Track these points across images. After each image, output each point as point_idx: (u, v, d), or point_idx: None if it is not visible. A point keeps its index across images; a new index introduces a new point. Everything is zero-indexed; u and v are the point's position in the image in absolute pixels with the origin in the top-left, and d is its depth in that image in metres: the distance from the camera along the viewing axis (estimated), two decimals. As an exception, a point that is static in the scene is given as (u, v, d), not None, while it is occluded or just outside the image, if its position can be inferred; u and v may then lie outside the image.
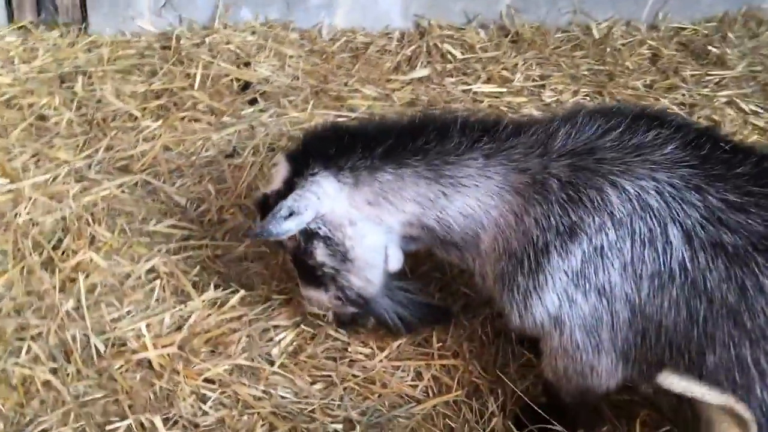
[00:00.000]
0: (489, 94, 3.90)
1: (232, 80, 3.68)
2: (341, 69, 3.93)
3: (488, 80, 4.00)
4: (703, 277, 1.88)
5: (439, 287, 2.83)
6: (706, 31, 4.53)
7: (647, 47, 4.40)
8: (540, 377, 2.50)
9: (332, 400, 2.46)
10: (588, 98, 3.93)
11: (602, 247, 1.99)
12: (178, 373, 2.43)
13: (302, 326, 2.62)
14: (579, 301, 2.05)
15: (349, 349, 2.59)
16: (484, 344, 2.63)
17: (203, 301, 2.64)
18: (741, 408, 1.54)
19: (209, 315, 2.59)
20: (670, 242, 1.92)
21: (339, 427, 2.40)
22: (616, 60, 4.24)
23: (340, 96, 3.71)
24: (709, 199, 1.91)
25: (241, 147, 3.29)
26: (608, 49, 4.34)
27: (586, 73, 4.18)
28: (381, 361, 2.56)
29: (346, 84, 3.81)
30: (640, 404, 2.42)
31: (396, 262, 2.41)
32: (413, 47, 4.11)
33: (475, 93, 3.89)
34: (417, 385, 2.52)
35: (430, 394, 2.50)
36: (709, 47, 4.34)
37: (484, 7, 4.31)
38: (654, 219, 1.95)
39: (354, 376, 2.52)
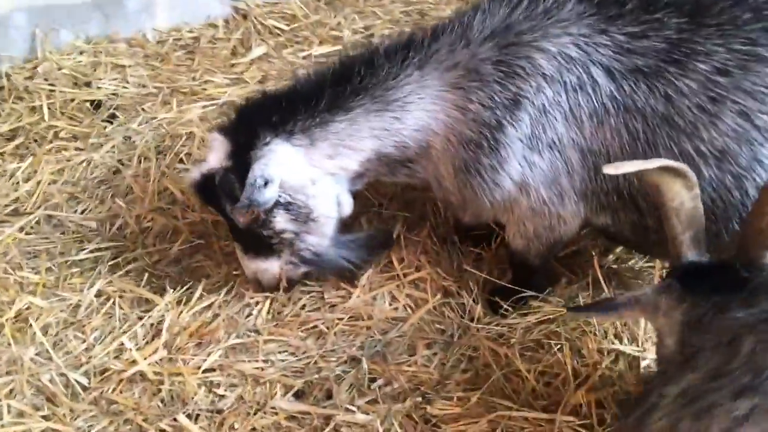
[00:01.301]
0: (327, 54, 4.05)
1: (80, 103, 3.53)
2: (182, 66, 3.89)
3: (321, 43, 4.15)
4: (633, 101, 2.16)
5: (371, 221, 2.98)
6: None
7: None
8: (493, 263, 2.78)
9: (328, 347, 2.55)
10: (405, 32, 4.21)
11: (544, 106, 2.22)
12: (178, 373, 2.39)
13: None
14: (537, 162, 2.27)
15: (325, 297, 2.67)
16: (438, 253, 2.83)
17: (167, 303, 2.59)
18: (675, 163, 1.77)
19: (181, 313, 2.55)
20: (597, 82, 2.18)
21: (346, 367, 2.50)
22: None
23: (194, 90, 3.69)
24: (615, 36, 2.18)
25: (127, 159, 3.20)
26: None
27: (401, 16, 4.48)
28: (358, 297, 2.67)
29: (194, 78, 3.79)
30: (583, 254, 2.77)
31: (348, 206, 2.53)
32: (241, 30, 4.15)
33: (316, 56, 4.04)
34: (397, 307, 2.67)
35: (411, 311, 2.66)
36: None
37: (291, -22, 4.44)
38: (578, 67, 2.20)
39: (339, 319, 2.61)
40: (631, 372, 2.38)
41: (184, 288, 2.66)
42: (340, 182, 2.47)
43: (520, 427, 2.27)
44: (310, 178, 2.38)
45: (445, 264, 2.79)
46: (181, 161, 3.17)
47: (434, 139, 2.37)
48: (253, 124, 2.33)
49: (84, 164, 3.15)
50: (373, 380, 2.45)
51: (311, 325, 2.59)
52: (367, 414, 2.33)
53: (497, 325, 2.58)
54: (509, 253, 2.63)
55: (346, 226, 2.67)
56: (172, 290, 2.64)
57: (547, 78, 2.21)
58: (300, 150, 2.34)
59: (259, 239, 2.44)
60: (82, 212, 2.96)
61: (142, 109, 3.52)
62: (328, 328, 2.59)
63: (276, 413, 2.34)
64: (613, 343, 2.42)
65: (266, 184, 2.25)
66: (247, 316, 2.60)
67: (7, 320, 2.49)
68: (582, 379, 2.35)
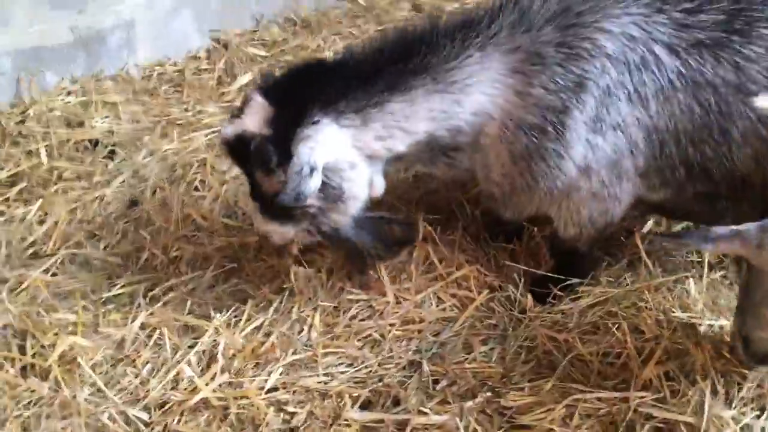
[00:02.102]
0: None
1: (76, 143, 3.42)
2: (171, 99, 3.83)
3: (305, 66, 4.15)
4: (701, 73, 2.19)
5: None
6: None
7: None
8: (529, 256, 2.79)
9: (385, 354, 2.50)
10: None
11: (608, 87, 2.21)
12: (243, 396, 2.30)
13: (319, 303, 2.60)
14: (601, 144, 2.26)
15: (374, 305, 2.63)
16: (474, 250, 2.83)
17: (216, 328, 2.51)
18: None
19: (233, 335, 2.47)
20: (660, 59, 2.21)
21: (407, 372, 2.46)
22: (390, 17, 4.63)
23: (190, 121, 3.63)
24: (673, 14, 2.23)
25: (140, 191, 3.11)
26: (376, 11, 4.73)
27: (373, 34, 4.51)
28: (406, 300, 2.63)
29: (186, 110, 3.73)
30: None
31: (380, 187, 2.45)
32: (223, 60, 4.11)
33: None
34: (445, 308, 2.64)
35: (459, 309, 2.64)
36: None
37: (266, 6, 4.44)
38: (641, 46, 2.22)
39: (391, 325, 2.57)
40: (689, 340, 2.40)
41: (230, 311, 2.58)
42: (377, 164, 2.37)
43: (595, 409, 2.27)
44: (350, 161, 2.27)
45: (483, 261, 2.79)
46: (196, 189, 3.10)
47: (489, 125, 2.31)
48: (302, 96, 2.18)
49: (97, 201, 3.04)
50: (436, 381, 2.42)
51: (365, 334, 2.54)
52: (440, 415, 2.29)
53: (549, 313, 2.58)
54: (556, 243, 2.63)
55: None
56: (218, 314, 2.55)
57: (612, 58, 2.21)
58: (347, 131, 2.22)
59: (279, 206, 2.25)
60: (105, 248, 2.85)
61: (141, 144, 3.43)
62: (382, 335, 2.54)
63: (349, 425, 2.27)
64: (670, 313, 2.45)
65: (312, 171, 2.13)
66: (300, 331, 2.53)
67: (52, 363, 2.36)
68: (646, 355, 2.37)
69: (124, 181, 3.16)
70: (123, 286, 2.69)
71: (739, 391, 2.26)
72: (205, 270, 2.75)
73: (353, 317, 2.59)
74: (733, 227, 1.92)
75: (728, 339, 2.37)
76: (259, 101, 2.23)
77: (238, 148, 2.24)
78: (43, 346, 2.43)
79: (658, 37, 2.23)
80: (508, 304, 2.66)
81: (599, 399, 2.29)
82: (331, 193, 2.29)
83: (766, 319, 1.94)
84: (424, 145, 2.35)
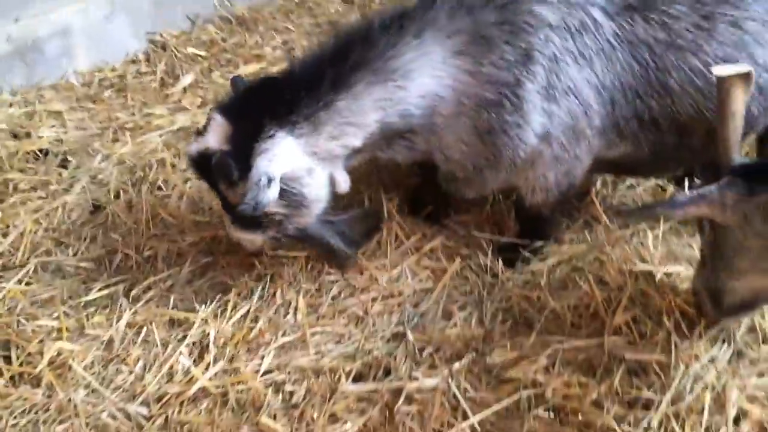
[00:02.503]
0: (254, 73, 4.08)
1: (26, 154, 3.36)
2: (116, 104, 3.80)
3: (246, 62, 4.18)
4: (634, 34, 2.37)
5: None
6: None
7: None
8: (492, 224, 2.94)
9: (370, 328, 2.59)
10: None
11: (555, 54, 2.36)
12: (240, 381, 2.35)
13: (302, 286, 2.66)
14: (556, 111, 2.40)
15: (353, 283, 2.71)
16: (448, 228, 2.95)
17: (203, 319, 2.54)
18: (742, 67, 1.95)
19: (222, 324, 2.51)
20: (598, 22, 2.37)
21: (393, 343, 2.56)
22: (322, 10, 4.71)
23: (139, 124, 3.62)
24: None
25: (103, 196, 3.09)
26: (308, 5, 4.80)
27: (312, 27, 4.59)
28: (383, 276, 2.72)
29: (133, 114, 3.72)
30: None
31: (345, 183, 2.55)
32: (163, 61, 4.10)
33: (246, 75, 4.05)
34: (421, 279, 2.74)
35: (434, 279, 2.76)
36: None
37: (200, 6, 4.43)
38: (578, 11, 2.37)
39: (372, 300, 2.66)
40: (650, 287, 2.58)
41: (214, 302, 2.61)
42: (336, 162, 2.47)
43: (573, 357, 2.42)
44: (307, 167, 2.38)
45: (446, 233, 2.90)
46: (159, 188, 3.10)
47: (441, 106, 2.42)
48: (258, 112, 2.30)
49: (59, 209, 3.00)
50: (422, 349, 2.52)
51: (349, 312, 2.62)
52: (431, 378, 2.39)
53: (521, 274, 2.72)
54: (522, 210, 2.76)
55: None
56: (203, 306, 2.58)
57: (553, 27, 2.35)
58: (302, 140, 2.33)
59: (248, 216, 2.35)
60: (75, 254, 2.83)
61: (93, 150, 3.40)
62: (364, 311, 2.63)
63: (346, 397, 2.35)
64: (631, 264, 2.62)
65: (270, 182, 2.24)
66: (286, 314, 2.59)
67: (42, 369, 2.34)
68: (614, 304, 2.53)
69: (83, 188, 3.12)
70: (101, 289, 2.68)
71: (705, 329, 2.45)
72: (181, 266, 2.77)
73: (335, 297, 2.66)
74: (695, 191, 2.05)
75: (683, 285, 2.57)
76: (218, 120, 2.34)
77: (203, 164, 2.35)
78: (29, 354, 2.41)
79: (594, 1, 2.39)
80: (480, 271, 2.78)
81: (576, 348, 2.44)
82: (292, 200, 2.39)
83: (739, 269, 2.10)
84: (379, 133, 2.45)
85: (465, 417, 2.28)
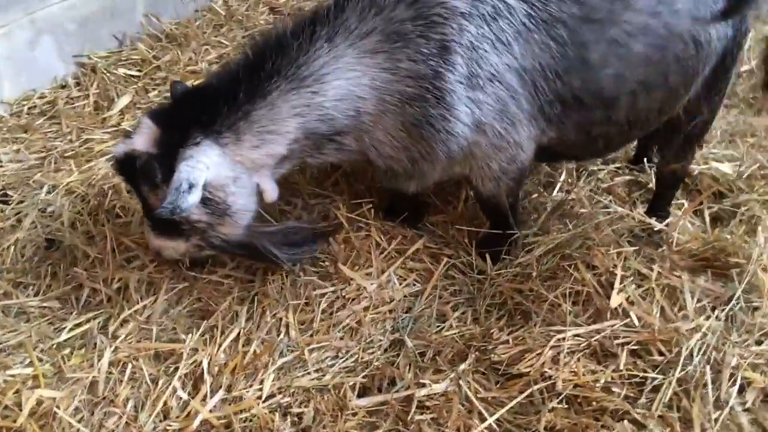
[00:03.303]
0: (192, 88, 3.92)
1: (-38, 193, 3.09)
2: (50, 133, 3.54)
3: (182, 79, 3.99)
4: (548, 12, 2.32)
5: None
6: None
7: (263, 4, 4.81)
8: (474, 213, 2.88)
9: (366, 339, 2.49)
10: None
11: (471, 43, 2.29)
12: (243, 409, 2.21)
13: (290, 302, 2.53)
14: (482, 98, 2.34)
15: (342, 294, 2.60)
16: (425, 230, 2.88)
17: (192, 349, 2.37)
18: None
19: (214, 352, 2.35)
20: (510, 5, 2.31)
21: (392, 351, 2.47)
22: (252, 22, 4.57)
23: (80, 152, 3.39)
24: None
25: (57, 231, 2.85)
26: (237, 18, 4.64)
27: (241, 40, 4.44)
28: (371, 286, 2.62)
29: (71, 141, 3.48)
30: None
31: (273, 193, 2.47)
32: (95, 84, 3.86)
33: (184, 91, 3.87)
34: (408, 283, 2.67)
35: (421, 282, 2.68)
36: None
37: (125, 25, 4.21)
38: None
39: (365, 309, 2.56)
40: (642, 258, 2.60)
41: (200, 329, 2.45)
42: (264, 172, 2.41)
43: (576, 344, 2.39)
44: (233, 176, 2.33)
45: (428, 233, 2.85)
46: (118, 216, 2.90)
47: (363, 105, 2.36)
48: (186, 120, 2.27)
49: (11, 248, 2.76)
50: (422, 354, 2.44)
51: (342, 324, 2.51)
52: (439, 383, 2.32)
53: (509, 268, 2.68)
54: (481, 201, 2.71)
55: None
56: (189, 335, 2.42)
57: (466, 15, 2.29)
58: (226, 148, 2.29)
59: (170, 221, 2.34)
60: (37, 294, 2.60)
61: (35, 182, 3.15)
62: (358, 322, 2.52)
63: (356, 413, 2.25)
64: (617, 246, 2.63)
65: (191, 188, 2.18)
66: (278, 334, 2.45)
67: (24, 422, 2.13)
68: (607, 289, 2.53)
69: (33, 222, 2.88)
70: (72, 329, 2.47)
71: (697, 301, 2.48)
72: (156, 294, 2.59)
73: (325, 310, 2.55)
74: None
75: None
76: (148, 123, 2.31)
77: (127, 166, 2.31)
78: (6, 407, 2.18)
79: None
80: (467, 269, 2.73)
81: (577, 336, 2.41)
82: (216, 208, 2.33)
83: None
84: (304, 140, 2.39)
85: (482, 418, 2.22)
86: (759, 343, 2.38)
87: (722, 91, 2.66)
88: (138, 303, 2.55)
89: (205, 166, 2.24)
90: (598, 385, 2.30)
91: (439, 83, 2.32)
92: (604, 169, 3.27)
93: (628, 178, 3.25)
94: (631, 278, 2.55)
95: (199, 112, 2.28)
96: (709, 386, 2.24)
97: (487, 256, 2.70)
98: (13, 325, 2.46)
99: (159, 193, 2.28)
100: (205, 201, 2.28)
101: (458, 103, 2.34)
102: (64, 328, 2.47)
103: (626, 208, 2.92)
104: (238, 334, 2.42)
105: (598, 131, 2.57)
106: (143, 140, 2.29)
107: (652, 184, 3.16)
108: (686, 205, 3.01)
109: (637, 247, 2.65)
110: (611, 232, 2.70)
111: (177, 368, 2.31)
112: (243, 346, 2.40)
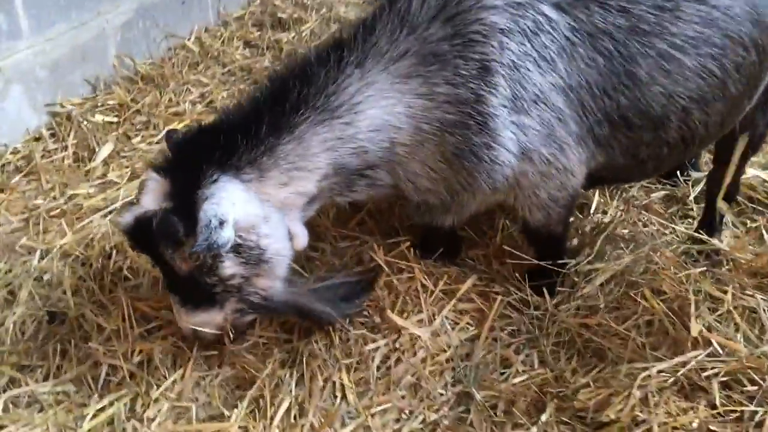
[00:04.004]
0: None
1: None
2: (30, 191, 3.19)
3: (166, 122, 3.69)
4: (592, 24, 2.12)
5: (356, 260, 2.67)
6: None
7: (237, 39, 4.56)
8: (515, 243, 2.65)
9: (429, 394, 2.22)
10: (244, 89, 3.93)
11: (513, 62, 2.08)
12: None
13: (342, 361, 2.26)
14: (527, 123, 2.11)
15: (395, 345, 2.32)
16: (466, 265, 2.64)
17: (242, 427, 2.07)
18: None
19: (267, 428, 2.05)
20: (551, 19, 2.11)
21: (460, 407, 2.20)
22: (230, 58, 4.31)
23: (67, 211, 3.05)
24: None
25: (59, 301, 2.51)
26: (213, 54, 4.38)
27: (225, 77, 4.18)
28: (425, 333, 2.36)
29: (55, 198, 3.14)
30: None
31: (303, 238, 2.21)
32: (72, 133, 3.53)
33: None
34: (462, 326, 2.42)
35: (474, 324, 2.43)
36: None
37: (98, 67, 3.88)
38: (530, 11, 2.10)
39: (422, 360, 2.29)
40: (713, 284, 2.39)
41: (244, 401, 2.15)
42: (293, 213, 2.16)
43: (663, 381, 2.17)
44: (263, 215, 2.05)
45: (470, 269, 2.61)
46: (127, 278, 2.57)
47: (398, 135, 2.12)
48: (196, 160, 2.00)
49: (11, 327, 2.40)
50: (494, 407, 2.19)
51: (401, 381, 2.24)
52: (523, 438, 2.07)
53: (568, 302, 2.45)
54: (529, 232, 2.47)
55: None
56: (234, 409, 2.11)
57: (506, 32, 2.08)
58: (250, 185, 2.03)
59: (201, 288, 2.08)
60: (47, 378, 2.25)
61: (22, 247, 2.80)
62: (416, 377, 2.26)
63: (437, 482, 1.97)
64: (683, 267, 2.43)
65: (222, 224, 1.90)
66: (334, 400, 2.16)
67: None
68: (682, 316, 2.32)
69: (30, 293, 2.53)
70: (95, 415, 2.13)
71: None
72: (184, 366, 2.27)
73: (379, 366, 2.27)
74: None
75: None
76: (153, 178, 2.04)
77: (141, 233, 2.01)
78: None
79: None
80: (522, 305, 2.49)
81: (662, 372, 2.19)
82: (250, 255, 2.06)
83: None
84: (334, 176, 2.14)
85: (580, 476, 1.97)
86: None
87: None
88: (166, 378, 2.23)
89: (230, 202, 1.95)
90: (694, 424, 2.08)
91: (481, 107, 2.09)
92: (634, 185, 3.09)
93: (663, 193, 3.07)
94: (705, 303, 2.34)
95: (211, 149, 2.02)
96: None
97: (544, 289, 2.46)
98: (25, 418, 2.10)
99: (185, 252, 1.99)
100: (237, 248, 2.01)
101: (503, 129, 2.12)
102: (86, 415, 2.13)
103: (672, 227, 2.73)
104: (290, 403, 2.12)
105: (646, 153, 2.35)
106: (152, 197, 2.02)
107: (690, 198, 2.99)
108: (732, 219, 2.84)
109: (704, 269, 2.44)
110: (671, 254, 2.49)
111: (229, 449, 1.99)
112: (299, 418, 2.10)
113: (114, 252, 2.65)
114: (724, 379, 2.18)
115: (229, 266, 2.03)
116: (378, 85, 2.09)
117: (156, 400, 2.16)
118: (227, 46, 4.49)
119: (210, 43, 4.48)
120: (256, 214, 2.03)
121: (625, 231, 2.80)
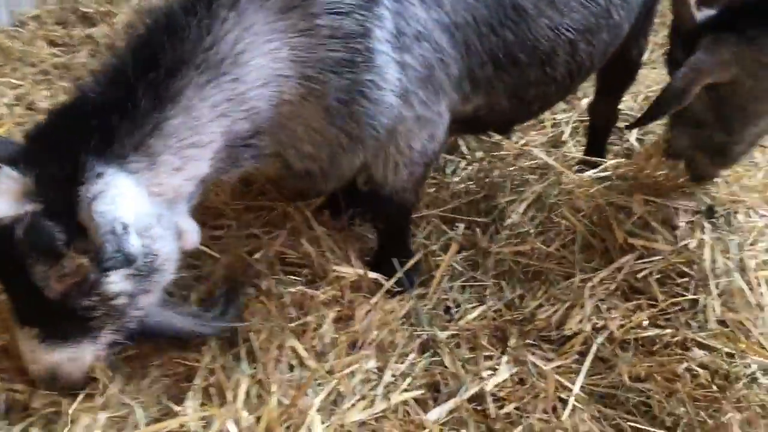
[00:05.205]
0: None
1: None
2: None
3: None
4: None
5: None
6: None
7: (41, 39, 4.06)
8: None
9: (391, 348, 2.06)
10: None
11: None
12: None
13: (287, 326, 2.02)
14: (408, 62, 1.93)
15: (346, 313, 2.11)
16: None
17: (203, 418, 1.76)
18: None
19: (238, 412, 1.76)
20: None
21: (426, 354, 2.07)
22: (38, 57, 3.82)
23: None
24: None
25: None
26: (16, 55, 3.87)
27: (35, 77, 3.68)
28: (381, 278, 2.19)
29: None
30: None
31: (195, 234, 1.85)
32: None
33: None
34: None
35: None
36: None
37: None
38: None
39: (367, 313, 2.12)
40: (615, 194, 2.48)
41: (192, 393, 1.84)
42: (179, 205, 1.80)
43: (606, 288, 2.20)
44: (155, 213, 1.70)
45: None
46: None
47: (285, 88, 1.82)
48: (68, 151, 1.59)
49: None
50: (458, 345, 2.09)
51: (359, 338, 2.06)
52: (504, 367, 2.00)
53: (497, 234, 2.42)
54: (382, 202, 2.22)
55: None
56: (183, 405, 1.79)
57: None
58: (138, 177, 1.66)
59: (72, 315, 1.68)
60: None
61: None
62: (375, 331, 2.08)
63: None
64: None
65: (125, 230, 1.55)
66: (292, 369, 1.93)
67: None
68: (600, 228, 2.37)
69: None
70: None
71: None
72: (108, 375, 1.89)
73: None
74: (686, 68, 2.02)
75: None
76: (9, 175, 1.61)
77: (5, 240, 1.58)
78: None
79: None
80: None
81: (603, 279, 2.25)
82: (143, 264, 1.66)
83: (756, 113, 2.09)
84: (223, 150, 1.81)
85: (565, 389, 1.93)
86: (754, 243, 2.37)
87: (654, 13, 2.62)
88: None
89: (124, 202, 1.59)
90: (645, 323, 2.12)
91: (368, 42, 1.85)
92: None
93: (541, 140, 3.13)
94: (619, 213, 2.42)
95: (84, 136, 1.60)
96: (747, 291, 2.17)
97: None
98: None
99: (64, 266, 1.59)
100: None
101: (388, 67, 1.90)
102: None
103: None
104: (248, 384, 1.85)
105: (533, 93, 2.28)
106: (6, 200, 1.59)
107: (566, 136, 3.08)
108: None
109: (608, 183, 2.52)
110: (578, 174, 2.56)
111: (195, 449, 1.68)
112: (260, 396, 1.83)
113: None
114: (658, 276, 2.26)
115: (117, 281, 1.65)
116: (257, 27, 1.77)
117: (73, 420, 1.76)
118: (29, 46, 3.97)
119: (9, 44, 3.92)
120: (147, 213, 1.66)
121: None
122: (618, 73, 2.64)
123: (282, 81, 1.81)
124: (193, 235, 1.82)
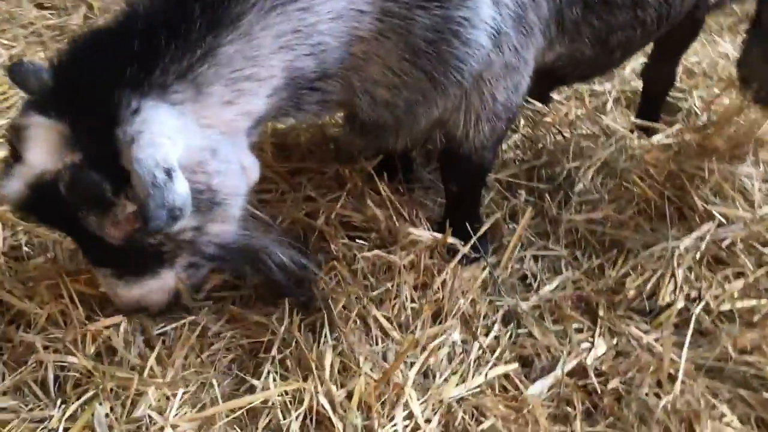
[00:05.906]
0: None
1: None
2: None
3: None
4: None
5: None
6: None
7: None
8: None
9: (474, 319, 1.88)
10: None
11: None
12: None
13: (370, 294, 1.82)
14: (504, 0, 1.75)
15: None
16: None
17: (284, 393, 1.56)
18: None
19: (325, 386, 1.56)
20: None
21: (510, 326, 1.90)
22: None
23: None
24: None
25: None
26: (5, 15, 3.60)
27: (30, 37, 3.43)
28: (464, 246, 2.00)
29: None
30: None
31: (255, 170, 1.71)
32: None
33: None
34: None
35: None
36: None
37: None
38: None
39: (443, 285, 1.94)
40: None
41: (272, 367, 1.63)
42: (239, 140, 1.65)
43: (692, 257, 2.06)
44: (209, 146, 1.54)
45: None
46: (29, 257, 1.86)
47: (360, 24, 1.64)
48: (98, 86, 1.42)
49: None
50: (541, 317, 1.93)
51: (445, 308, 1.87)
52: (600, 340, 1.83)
53: (567, 202, 2.26)
54: (462, 164, 2.04)
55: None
56: (261, 379, 1.59)
57: None
58: (185, 108, 1.50)
59: (141, 253, 1.59)
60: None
61: None
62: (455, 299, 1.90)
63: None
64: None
65: (170, 174, 1.40)
66: (376, 342, 1.73)
67: None
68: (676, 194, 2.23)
69: None
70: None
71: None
72: (176, 344, 1.67)
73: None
74: None
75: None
76: (38, 123, 1.44)
77: (44, 204, 1.47)
78: None
79: None
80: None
81: (687, 248, 2.10)
82: (201, 201, 1.53)
83: None
84: (285, 88, 1.64)
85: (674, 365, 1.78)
86: None
87: None
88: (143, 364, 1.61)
89: (166, 138, 1.42)
90: (736, 294, 1.99)
91: None
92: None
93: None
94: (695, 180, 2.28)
95: (116, 66, 1.42)
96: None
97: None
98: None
99: (116, 214, 1.46)
100: None
101: (482, 3, 1.71)
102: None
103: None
104: (332, 357, 1.64)
105: (617, 39, 2.12)
106: (45, 150, 1.44)
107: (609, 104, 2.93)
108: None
109: (677, 149, 2.39)
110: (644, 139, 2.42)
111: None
112: (344, 370, 1.64)
113: (-1, 228, 1.90)
114: (741, 246, 2.13)
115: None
116: None
117: (142, 393, 1.54)
118: (16, 7, 3.69)
119: (-6, 6, 3.64)
120: (200, 147, 1.50)
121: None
122: (684, 29, 2.49)
123: (357, 16, 1.62)
124: (254, 171, 1.69)
